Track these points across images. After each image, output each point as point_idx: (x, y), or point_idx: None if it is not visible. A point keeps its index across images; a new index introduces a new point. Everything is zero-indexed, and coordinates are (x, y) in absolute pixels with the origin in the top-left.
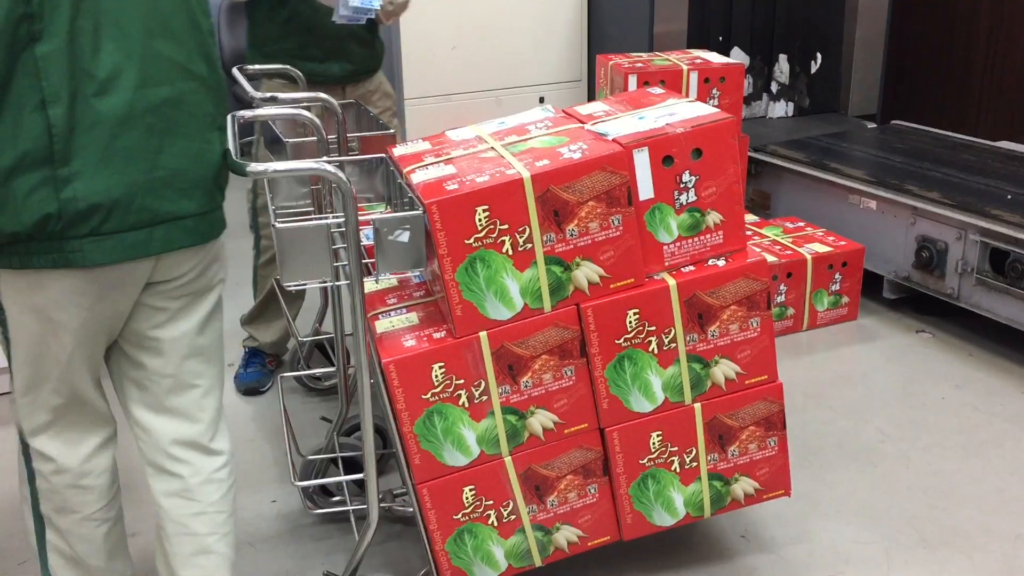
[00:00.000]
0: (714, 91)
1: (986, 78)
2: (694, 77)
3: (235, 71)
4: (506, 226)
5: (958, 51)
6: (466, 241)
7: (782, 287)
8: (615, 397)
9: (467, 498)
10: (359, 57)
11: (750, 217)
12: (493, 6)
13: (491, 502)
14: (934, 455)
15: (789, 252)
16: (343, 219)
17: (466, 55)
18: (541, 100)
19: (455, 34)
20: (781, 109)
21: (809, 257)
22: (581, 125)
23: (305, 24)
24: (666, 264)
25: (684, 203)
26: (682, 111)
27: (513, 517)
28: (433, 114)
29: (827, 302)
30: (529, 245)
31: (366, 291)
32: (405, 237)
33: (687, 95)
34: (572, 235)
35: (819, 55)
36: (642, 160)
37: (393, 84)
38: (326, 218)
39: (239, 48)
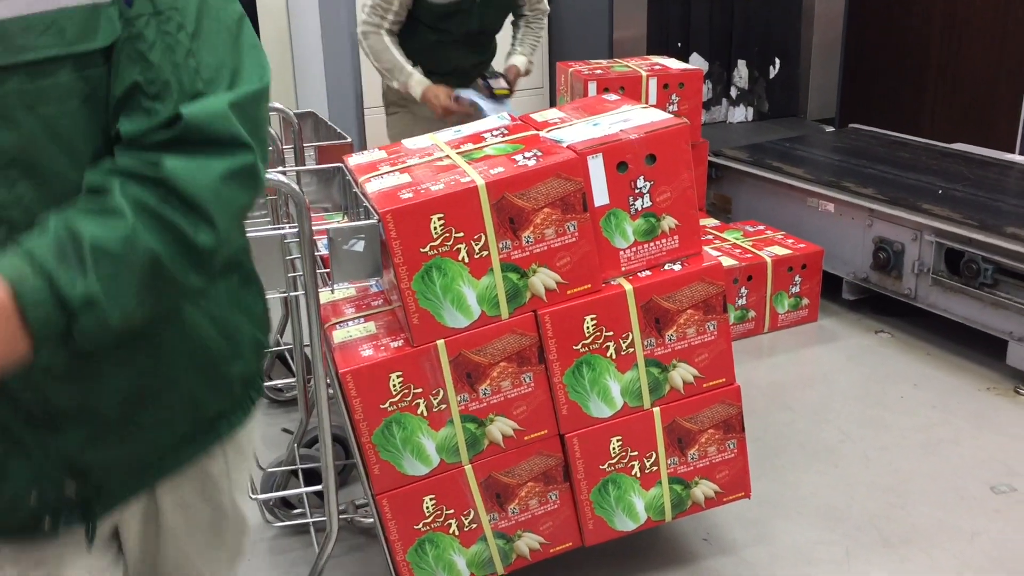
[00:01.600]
0: (673, 97)
1: (940, 81)
2: (653, 83)
3: None
4: (461, 234)
5: (913, 55)
6: (421, 250)
7: (743, 290)
8: (574, 403)
9: (428, 507)
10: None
11: (711, 221)
12: None
13: (452, 511)
14: (893, 454)
15: (749, 255)
16: (297, 229)
17: None
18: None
19: None
20: (741, 114)
21: (769, 260)
22: (536, 132)
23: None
24: (623, 269)
25: (639, 208)
26: (636, 117)
27: (474, 526)
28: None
29: (787, 304)
30: (485, 252)
31: (324, 301)
32: (360, 247)
33: (646, 101)
34: (528, 242)
35: (777, 60)
36: (596, 166)
37: (354, 91)
38: (279, 228)
39: None
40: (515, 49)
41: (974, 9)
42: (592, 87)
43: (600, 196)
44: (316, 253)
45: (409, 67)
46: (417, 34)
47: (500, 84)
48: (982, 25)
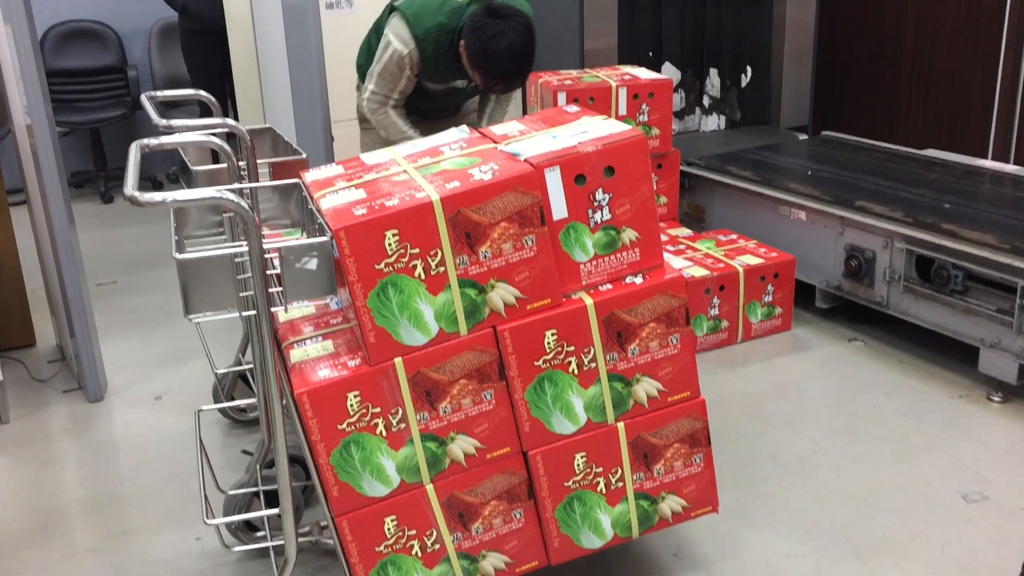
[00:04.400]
0: (643, 106)
1: (913, 88)
2: (623, 93)
3: (143, 98)
4: (417, 250)
5: (885, 62)
6: (376, 266)
7: (715, 300)
8: (537, 420)
9: (389, 529)
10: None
11: (684, 231)
12: None
13: (414, 532)
14: (865, 464)
15: (721, 265)
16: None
17: None
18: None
19: None
20: (713, 122)
21: (741, 269)
22: (494, 146)
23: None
24: (583, 283)
25: (599, 221)
26: (595, 129)
27: (437, 547)
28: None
29: (760, 314)
30: (442, 268)
31: (282, 319)
32: (313, 264)
33: (616, 111)
34: (486, 257)
35: (749, 68)
36: (554, 179)
37: (321, 104)
38: (232, 246)
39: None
40: (481, 122)
41: (945, 16)
42: (562, 98)
43: (559, 209)
44: (270, 271)
45: (416, 135)
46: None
47: None
48: (954, 31)
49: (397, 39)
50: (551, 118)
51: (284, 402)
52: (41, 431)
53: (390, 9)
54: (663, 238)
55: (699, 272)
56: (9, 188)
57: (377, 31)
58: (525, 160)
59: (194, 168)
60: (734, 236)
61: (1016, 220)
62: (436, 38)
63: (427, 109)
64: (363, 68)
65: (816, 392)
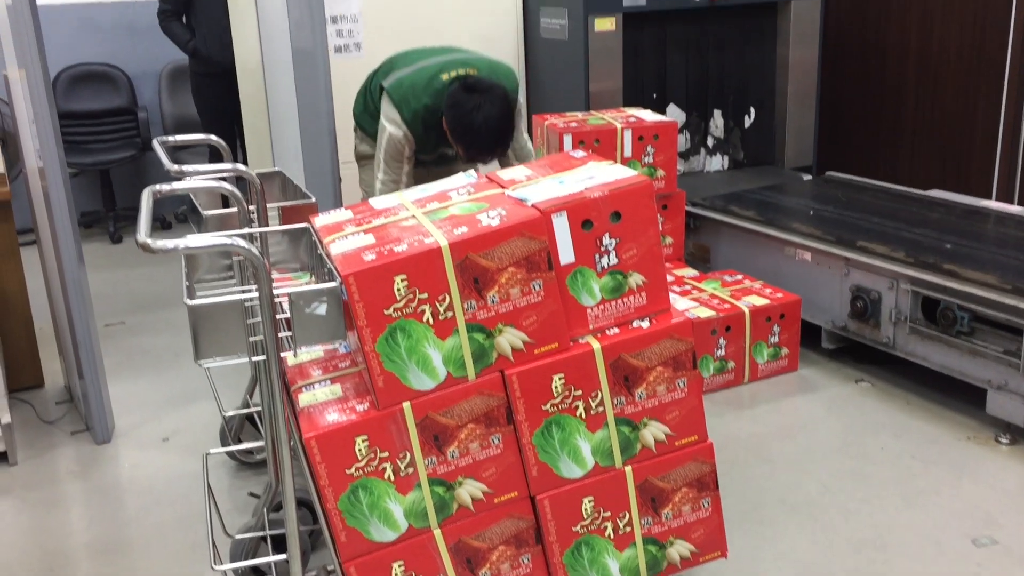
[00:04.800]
0: (648, 148)
1: (916, 128)
2: (628, 135)
3: (155, 143)
4: (425, 295)
5: (889, 102)
6: (385, 311)
7: (721, 341)
8: (544, 464)
9: (396, 574)
10: None
11: (689, 271)
12: None
13: None
14: (874, 507)
15: (727, 306)
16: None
17: None
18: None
19: None
20: (718, 163)
21: (747, 310)
22: (502, 190)
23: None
24: (590, 327)
25: (606, 266)
26: (601, 174)
27: None
28: None
29: (767, 354)
30: (450, 313)
31: (291, 363)
32: (322, 310)
33: (621, 153)
34: (493, 301)
35: (752, 109)
36: (561, 224)
37: (329, 146)
38: (244, 291)
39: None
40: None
41: (947, 58)
42: (567, 140)
43: (566, 254)
44: (279, 316)
45: None
46: None
47: None
48: (956, 73)
49: (391, 123)
50: (558, 163)
51: (292, 443)
52: (48, 473)
53: (380, 88)
54: (669, 278)
55: (705, 313)
56: (20, 228)
57: (367, 91)
58: (532, 205)
59: (205, 213)
60: (739, 276)
61: (1021, 261)
62: (424, 119)
63: (419, 161)
64: (358, 117)
65: (823, 434)
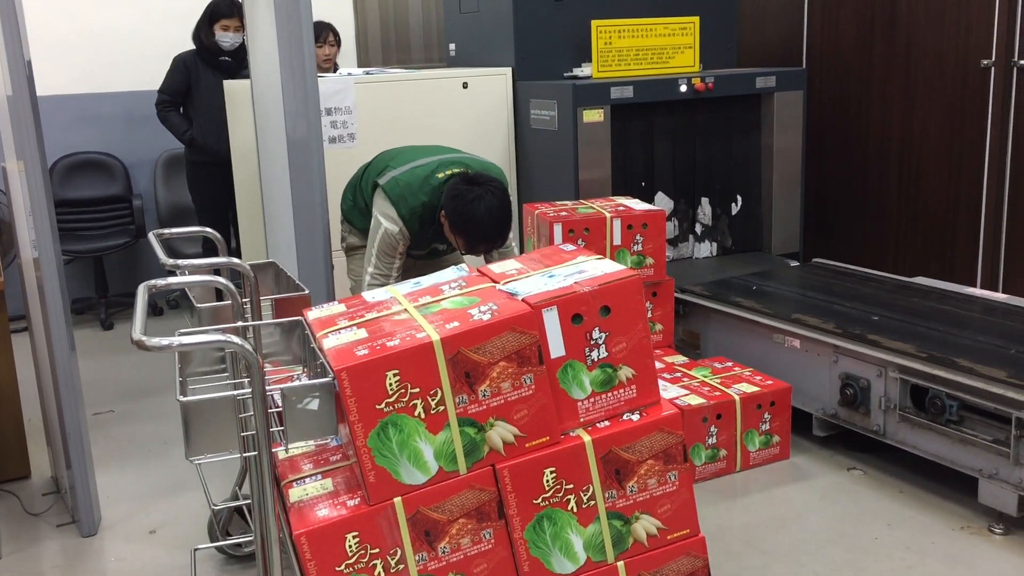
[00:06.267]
0: (637, 237)
1: (901, 216)
2: (617, 224)
3: (151, 236)
4: (417, 389)
5: (872, 190)
6: (377, 406)
7: (712, 429)
8: (536, 559)
9: None
10: None
11: (679, 358)
12: None
13: None
14: None
15: (718, 393)
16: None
17: None
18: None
19: None
20: (706, 249)
21: (737, 398)
22: (493, 285)
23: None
24: (581, 420)
25: (596, 359)
26: (591, 269)
27: None
28: None
29: (758, 442)
30: (442, 407)
31: (281, 457)
32: (315, 405)
33: (611, 241)
34: (485, 396)
35: (739, 197)
36: (551, 319)
37: (323, 235)
38: (237, 385)
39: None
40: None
41: (928, 148)
42: (558, 229)
43: (556, 348)
44: (271, 409)
45: None
46: None
47: None
48: (937, 162)
49: (387, 220)
50: (548, 256)
51: (280, 535)
52: (33, 568)
53: (373, 185)
54: (659, 365)
55: (696, 400)
56: (12, 315)
57: (356, 187)
58: (523, 300)
59: (199, 305)
60: (729, 363)
61: (1007, 350)
62: (420, 216)
63: (409, 254)
64: (347, 212)
65: (817, 523)
